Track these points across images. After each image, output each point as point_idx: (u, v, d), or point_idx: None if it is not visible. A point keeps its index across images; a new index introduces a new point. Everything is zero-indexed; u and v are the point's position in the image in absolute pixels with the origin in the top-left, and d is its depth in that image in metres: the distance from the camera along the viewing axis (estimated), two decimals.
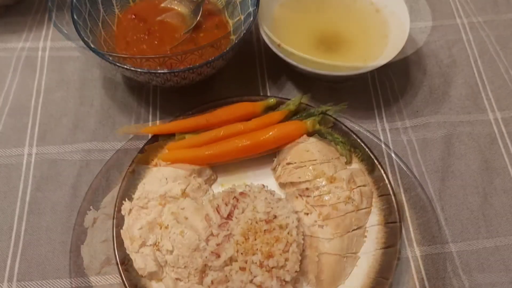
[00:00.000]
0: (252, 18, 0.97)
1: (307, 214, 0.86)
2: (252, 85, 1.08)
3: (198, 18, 1.04)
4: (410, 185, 0.95)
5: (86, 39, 0.91)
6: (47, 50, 1.11)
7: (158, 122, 1.02)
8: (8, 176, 0.94)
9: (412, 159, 0.99)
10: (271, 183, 0.92)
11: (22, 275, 0.85)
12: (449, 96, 1.08)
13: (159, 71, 0.88)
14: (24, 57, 1.09)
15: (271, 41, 1.00)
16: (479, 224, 0.92)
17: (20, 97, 1.04)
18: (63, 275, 0.85)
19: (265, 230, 0.78)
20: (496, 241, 0.91)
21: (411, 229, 0.91)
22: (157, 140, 0.94)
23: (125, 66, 0.87)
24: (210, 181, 0.93)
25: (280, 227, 0.78)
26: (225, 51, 0.91)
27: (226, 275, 0.77)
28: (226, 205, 0.81)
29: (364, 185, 0.89)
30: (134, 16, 1.06)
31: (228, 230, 0.78)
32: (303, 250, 0.82)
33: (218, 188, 0.93)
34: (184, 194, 0.85)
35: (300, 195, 0.88)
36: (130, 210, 0.85)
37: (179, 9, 1.08)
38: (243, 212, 0.80)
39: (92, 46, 0.91)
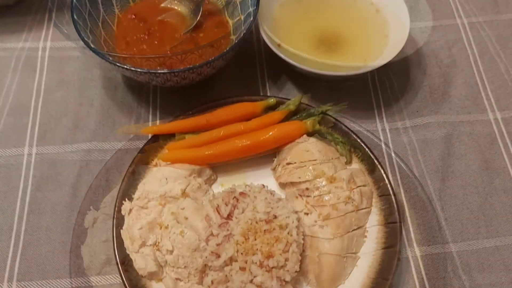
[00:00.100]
0: (252, 18, 0.96)
1: (307, 214, 0.86)
2: (252, 85, 1.08)
3: (198, 18, 1.04)
4: (410, 185, 0.95)
5: (86, 39, 0.91)
6: (47, 50, 1.11)
7: (158, 122, 1.02)
8: (8, 176, 0.94)
9: (412, 159, 0.99)
10: (271, 183, 0.92)
11: (22, 275, 0.85)
12: (449, 96, 1.08)
13: (159, 71, 0.88)
14: (24, 57, 1.09)
15: (271, 41, 1.00)
16: (479, 224, 0.92)
17: (20, 97, 1.04)
18: (63, 275, 0.85)
19: (265, 230, 0.78)
20: (496, 241, 0.91)
21: (411, 229, 0.91)
22: (157, 140, 0.94)
23: (125, 66, 0.87)
24: (210, 181, 0.93)
25: (280, 227, 0.78)
26: (225, 51, 0.91)
27: (226, 275, 0.77)
28: (226, 205, 0.81)
29: (364, 185, 0.89)
30: (134, 16, 1.06)
31: (228, 230, 0.78)
32: (303, 250, 0.82)
33: (218, 188, 0.93)
34: (184, 194, 0.85)
35: (300, 195, 0.88)
36: (130, 210, 0.85)
37: (179, 9, 1.08)
38: (243, 212, 0.80)
39: (92, 46, 0.90)
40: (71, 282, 0.84)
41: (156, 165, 0.92)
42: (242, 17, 1.03)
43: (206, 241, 0.79)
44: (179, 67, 0.94)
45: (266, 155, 0.94)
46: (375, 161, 0.91)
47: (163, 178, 0.87)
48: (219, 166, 0.94)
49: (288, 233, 0.78)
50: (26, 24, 1.14)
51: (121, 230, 0.84)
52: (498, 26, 1.19)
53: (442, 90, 1.08)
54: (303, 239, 0.81)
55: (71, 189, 0.93)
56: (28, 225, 0.89)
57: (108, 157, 0.96)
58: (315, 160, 0.88)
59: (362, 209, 0.87)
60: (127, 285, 0.79)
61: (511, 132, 1.03)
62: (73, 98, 1.05)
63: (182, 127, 0.94)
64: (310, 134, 0.94)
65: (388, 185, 0.88)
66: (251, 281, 0.76)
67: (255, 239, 0.77)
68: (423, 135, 1.02)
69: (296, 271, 0.78)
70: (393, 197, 0.87)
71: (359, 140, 0.93)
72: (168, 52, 0.99)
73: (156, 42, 1.01)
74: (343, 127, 0.95)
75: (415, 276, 0.87)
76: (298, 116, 0.96)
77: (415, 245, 0.89)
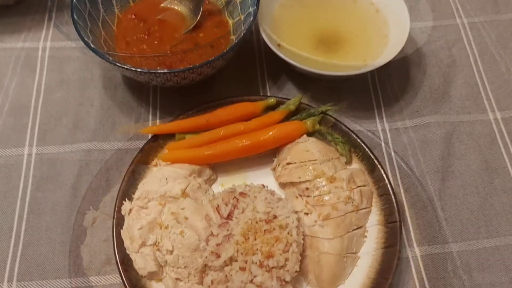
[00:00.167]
0: (252, 18, 0.96)
1: (307, 214, 0.86)
2: (252, 85, 1.08)
3: (198, 18, 1.04)
4: (410, 185, 0.95)
5: (86, 39, 0.91)
6: (47, 50, 1.11)
7: (158, 122, 1.02)
8: (8, 176, 0.94)
9: (412, 159, 0.99)
10: (271, 183, 0.92)
11: (22, 275, 0.85)
12: (449, 96, 1.08)
13: (159, 71, 0.88)
14: (24, 57, 1.09)
15: (271, 41, 1.00)
16: (479, 224, 0.92)
17: (20, 97, 1.04)
18: (63, 275, 0.85)
19: (265, 230, 0.78)
20: (496, 241, 0.91)
21: (411, 229, 0.91)
22: (157, 140, 0.94)
23: (125, 66, 0.87)
24: (210, 181, 0.93)
25: (280, 227, 0.78)
26: (225, 51, 0.91)
27: (226, 275, 0.77)
28: (226, 205, 0.81)
29: (364, 185, 0.89)
30: (134, 16, 1.06)
31: (228, 230, 0.78)
32: (303, 250, 0.82)
33: (218, 188, 0.93)
34: (184, 194, 0.85)
35: (300, 195, 0.88)
36: (130, 210, 0.85)
37: (179, 9, 1.08)
38: (243, 212, 0.80)
39: (92, 46, 0.90)
40: (71, 282, 0.84)
41: (156, 165, 0.92)
42: (242, 17, 1.03)
43: (206, 241, 0.79)
44: (179, 67, 0.94)
45: (266, 155, 0.94)
46: (375, 161, 0.91)
47: (163, 178, 0.87)
48: (219, 166, 0.94)
49: (288, 233, 0.78)
50: (26, 24, 1.14)
51: (121, 230, 0.84)
52: (498, 26, 1.19)
53: (442, 90, 1.08)
54: (303, 239, 0.81)
55: (71, 189, 0.93)
56: (28, 225, 0.89)
57: (108, 157, 0.96)
58: (315, 160, 0.88)
59: (362, 209, 0.87)
60: (127, 285, 0.79)
61: (511, 132, 1.03)
62: (73, 98, 1.05)
63: (182, 127, 0.94)
64: (310, 134, 0.94)
65: (388, 185, 0.88)
66: (251, 281, 0.76)
67: (255, 239, 0.77)
68: (423, 135, 1.02)
69: (296, 271, 0.78)
70: (393, 197, 0.87)
71: (359, 140, 0.93)
72: (168, 52, 0.99)
73: (156, 42, 1.01)
74: (343, 127, 0.95)
75: (415, 276, 0.87)
76: (298, 116, 0.96)
77: (415, 245, 0.89)
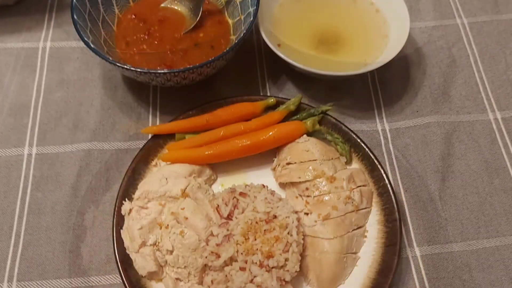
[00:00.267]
0: (252, 18, 0.96)
1: (307, 214, 0.86)
2: (252, 85, 1.08)
3: (198, 18, 1.04)
4: (410, 185, 0.95)
5: (86, 39, 0.91)
6: (47, 50, 1.11)
7: (158, 122, 1.02)
8: (8, 176, 0.94)
9: (412, 159, 0.99)
10: (271, 183, 0.92)
11: (22, 275, 0.85)
12: (449, 96, 1.08)
13: (159, 71, 0.87)
14: (24, 57, 1.09)
15: (271, 41, 1.00)
16: (479, 224, 0.92)
17: (20, 97, 1.04)
18: (63, 275, 0.85)
19: (265, 230, 0.78)
20: (496, 241, 0.91)
21: (411, 229, 0.91)
22: (157, 140, 0.94)
23: (125, 66, 0.87)
24: (210, 181, 0.93)
25: (280, 227, 0.78)
26: (225, 51, 0.91)
27: (226, 275, 0.77)
28: (226, 205, 0.81)
29: (364, 185, 0.89)
30: (134, 16, 1.05)
31: (228, 230, 0.78)
32: (303, 250, 0.82)
33: (218, 188, 0.93)
34: (184, 194, 0.85)
35: (300, 195, 0.88)
36: (130, 210, 0.85)
37: (179, 9, 1.08)
38: (243, 212, 0.80)
39: (92, 46, 0.90)
40: (71, 282, 0.84)
41: (156, 165, 0.92)
42: (242, 17, 1.03)
43: (206, 241, 0.79)
44: (179, 67, 0.94)
45: (266, 155, 0.94)
46: (375, 161, 0.91)
47: (163, 178, 0.87)
48: (219, 166, 0.94)
49: (288, 233, 0.78)
50: (26, 24, 1.14)
51: (121, 230, 0.84)
52: (498, 26, 1.19)
53: (442, 90, 1.08)
54: (303, 239, 0.81)
55: (71, 189, 0.93)
56: (28, 225, 0.89)
57: (108, 157, 0.96)
58: (315, 160, 0.88)
59: (362, 209, 0.87)
60: (127, 285, 0.79)
61: (511, 132, 1.03)
62: (73, 98, 1.05)
63: (182, 127, 0.94)
64: (310, 134, 0.94)
65: (388, 185, 0.88)
66: (251, 281, 0.76)
67: (255, 239, 0.77)
68: (423, 135, 1.02)
69: (296, 271, 0.78)
70: (393, 196, 0.87)
71: (359, 140, 0.93)
72: (168, 52, 0.99)
73: (156, 42, 1.01)
74: (343, 127, 0.95)
75: (415, 276, 0.87)
76: (298, 116, 0.96)
77: (415, 245, 0.89)
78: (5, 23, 1.14)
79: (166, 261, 0.81)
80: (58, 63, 1.09)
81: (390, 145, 1.00)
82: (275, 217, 0.80)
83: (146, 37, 1.02)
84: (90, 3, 0.99)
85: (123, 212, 0.85)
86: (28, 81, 1.06)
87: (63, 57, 1.10)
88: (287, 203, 0.83)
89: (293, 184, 0.89)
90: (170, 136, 0.94)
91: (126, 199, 0.86)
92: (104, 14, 1.03)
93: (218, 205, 0.82)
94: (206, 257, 0.78)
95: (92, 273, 0.85)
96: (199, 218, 0.81)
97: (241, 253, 0.76)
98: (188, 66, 0.89)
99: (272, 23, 1.06)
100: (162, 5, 1.08)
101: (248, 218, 0.78)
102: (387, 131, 1.02)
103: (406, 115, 1.05)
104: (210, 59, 0.89)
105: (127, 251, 0.82)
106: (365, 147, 0.92)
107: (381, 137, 1.01)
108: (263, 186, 0.86)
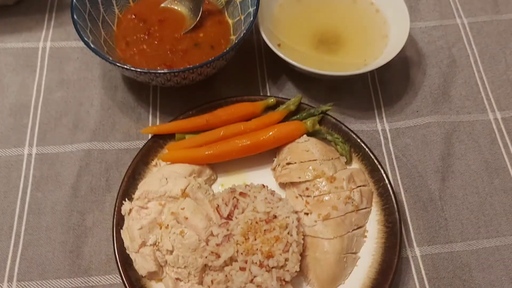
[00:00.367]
0: (252, 18, 0.96)
1: (307, 214, 0.86)
2: (252, 85, 1.08)
3: (198, 18, 1.04)
4: (410, 185, 0.95)
5: (86, 39, 0.91)
6: (47, 50, 1.11)
7: (158, 122, 1.02)
8: (8, 176, 0.94)
9: (412, 159, 0.99)
10: (271, 183, 0.92)
11: (22, 275, 0.85)
12: (449, 96, 1.08)
13: (159, 71, 0.87)
14: (24, 57, 1.09)
15: (271, 41, 1.00)
16: (479, 224, 0.92)
17: (20, 97, 1.04)
18: (63, 275, 0.85)
19: (265, 230, 0.78)
20: (496, 241, 0.91)
21: (411, 229, 0.91)
22: (157, 140, 0.94)
23: (125, 66, 0.87)
24: (210, 181, 0.93)
25: (280, 227, 0.78)
26: (225, 51, 0.91)
27: (226, 275, 0.77)
28: (226, 205, 0.81)
29: (364, 185, 0.89)
30: (134, 16, 1.05)
31: (228, 230, 0.78)
32: (303, 250, 0.82)
33: (218, 188, 0.93)
34: (184, 194, 0.85)
35: (300, 195, 0.88)
36: (130, 210, 0.85)
37: (179, 9, 1.08)
38: (243, 212, 0.80)
39: (92, 46, 0.90)
40: (71, 282, 0.84)
41: (156, 165, 0.92)
42: (242, 17, 1.03)
43: (206, 241, 0.79)
44: (179, 67, 0.94)
45: (266, 155, 0.94)
46: (375, 161, 0.91)
47: (163, 178, 0.87)
48: (219, 166, 0.94)
49: (288, 233, 0.78)
50: (26, 24, 1.14)
51: (121, 230, 0.84)
52: (498, 26, 1.19)
53: (442, 90, 1.08)
54: (303, 239, 0.81)
55: (71, 189, 0.93)
56: (28, 225, 0.89)
57: (108, 157, 0.96)
58: (315, 160, 0.88)
59: (362, 209, 0.87)
60: (127, 285, 0.79)
61: (511, 132, 1.03)
62: (73, 98, 1.05)
63: (182, 127, 0.94)
64: (310, 134, 0.94)
65: (388, 185, 0.88)
66: (251, 281, 0.76)
67: (255, 239, 0.77)
68: (423, 135, 1.02)
69: (296, 271, 0.78)
70: (393, 197, 0.87)
71: (359, 140, 0.93)
72: (168, 52, 0.99)
73: (156, 42, 1.01)
74: (343, 127, 0.95)
75: (415, 276, 0.87)
76: (298, 116, 0.96)
77: (415, 245, 0.89)
78: (5, 23, 1.14)
79: (166, 261, 0.81)
80: (58, 63, 1.09)
81: (390, 145, 1.00)
82: (275, 217, 0.80)
83: (146, 37, 1.02)
84: (90, 3, 0.99)
85: (123, 212, 0.85)
86: (28, 81, 1.06)
87: (63, 57, 1.10)
88: (287, 203, 0.83)
89: (293, 184, 0.89)
90: (170, 136, 0.95)
91: (126, 199, 0.86)
92: (104, 14, 1.03)
93: (218, 205, 0.82)
94: (206, 257, 0.78)
95: (92, 273, 0.85)
96: (199, 218, 0.81)
97: (241, 253, 0.76)
98: (188, 66, 0.89)
99: (272, 23, 1.06)
100: (162, 5, 1.08)
101: (248, 218, 0.78)
102: (387, 131, 1.02)
103: (406, 115, 1.05)
104: (210, 59, 0.89)
105: (127, 251, 0.82)
106: (365, 147, 0.92)
107: (381, 137, 1.01)
108: (263, 186, 0.86)
